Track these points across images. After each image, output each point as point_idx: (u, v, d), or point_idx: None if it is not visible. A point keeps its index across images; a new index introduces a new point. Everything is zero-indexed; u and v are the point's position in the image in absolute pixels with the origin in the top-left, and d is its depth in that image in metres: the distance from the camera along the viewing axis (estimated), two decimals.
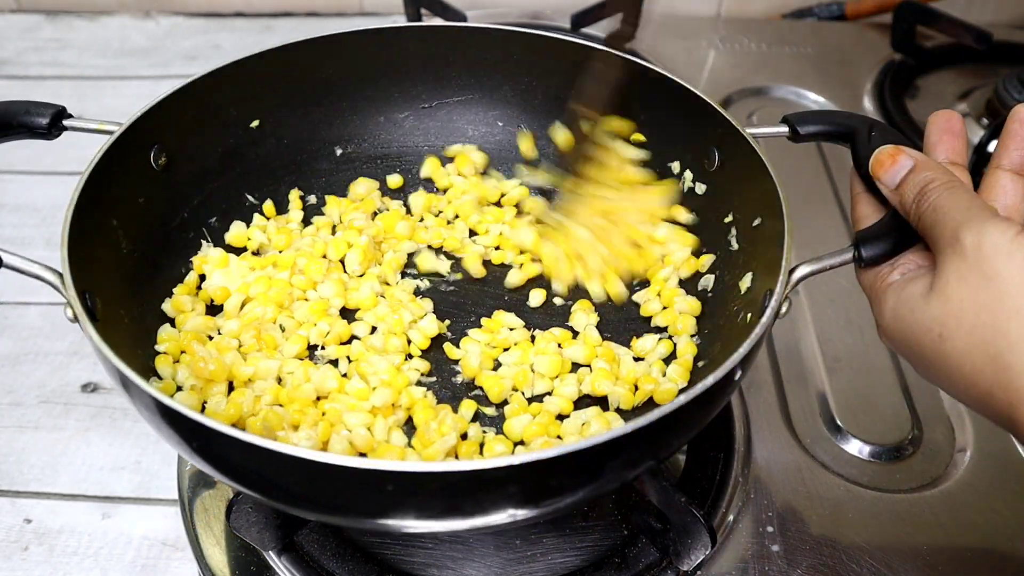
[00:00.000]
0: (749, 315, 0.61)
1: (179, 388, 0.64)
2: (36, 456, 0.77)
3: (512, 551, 0.64)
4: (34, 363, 0.85)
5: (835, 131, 0.64)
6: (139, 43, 1.36)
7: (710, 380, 0.49)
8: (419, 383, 0.68)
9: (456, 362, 0.70)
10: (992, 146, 0.98)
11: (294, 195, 0.81)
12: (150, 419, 0.51)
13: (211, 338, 0.68)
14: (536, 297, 0.75)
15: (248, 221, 0.78)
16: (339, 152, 0.84)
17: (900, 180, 0.53)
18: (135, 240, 0.68)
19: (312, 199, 0.82)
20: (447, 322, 0.73)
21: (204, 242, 0.75)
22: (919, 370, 0.52)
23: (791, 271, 0.55)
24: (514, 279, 0.76)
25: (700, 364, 0.67)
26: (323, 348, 0.70)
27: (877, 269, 0.54)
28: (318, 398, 0.65)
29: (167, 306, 0.69)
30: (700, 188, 0.74)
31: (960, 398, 0.49)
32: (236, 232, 0.77)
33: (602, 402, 0.67)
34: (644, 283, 0.75)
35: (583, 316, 0.72)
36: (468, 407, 0.66)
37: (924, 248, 0.54)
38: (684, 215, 0.75)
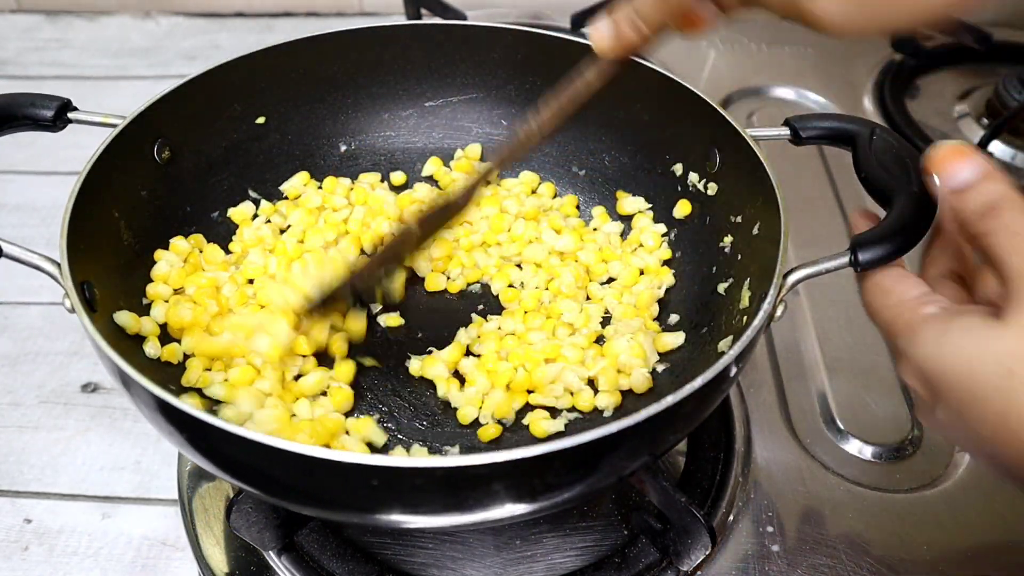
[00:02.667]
0: (745, 318, 0.61)
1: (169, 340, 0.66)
2: (36, 456, 0.77)
3: (512, 551, 0.64)
4: (34, 363, 0.85)
5: (837, 134, 0.64)
6: (139, 43, 1.36)
7: (699, 382, 0.49)
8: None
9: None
10: (992, 146, 0.98)
11: (304, 176, 0.82)
12: (146, 412, 0.51)
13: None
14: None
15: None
16: (343, 148, 0.84)
17: (964, 184, 0.47)
18: (136, 232, 0.68)
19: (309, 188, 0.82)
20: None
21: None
22: (960, 417, 0.45)
23: (786, 275, 0.55)
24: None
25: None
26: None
27: (899, 300, 0.49)
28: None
29: (150, 289, 0.69)
30: (711, 189, 0.74)
31: (1016, 454, 0.42)
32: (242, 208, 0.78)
33: None
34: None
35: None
36: None
37: (953, 280, 0.51)
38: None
